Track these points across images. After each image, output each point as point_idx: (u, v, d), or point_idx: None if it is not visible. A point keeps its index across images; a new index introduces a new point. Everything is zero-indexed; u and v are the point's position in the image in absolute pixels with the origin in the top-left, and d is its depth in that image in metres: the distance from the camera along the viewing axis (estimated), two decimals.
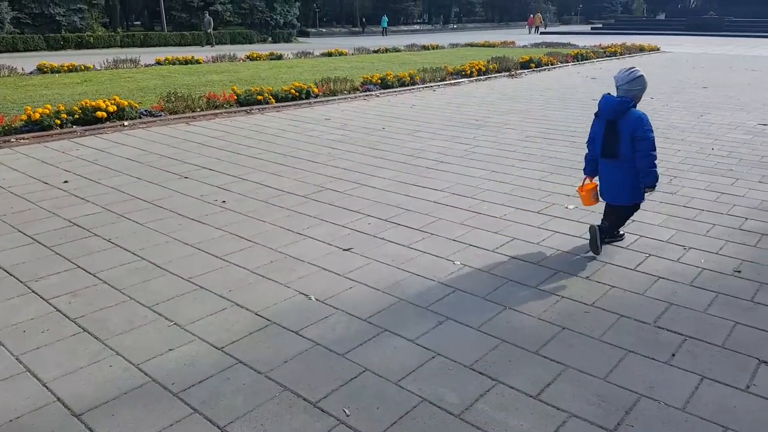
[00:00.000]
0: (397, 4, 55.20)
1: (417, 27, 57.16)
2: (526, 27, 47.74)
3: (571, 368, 2.59)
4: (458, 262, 3.70)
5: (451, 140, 7.35)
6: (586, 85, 12.93)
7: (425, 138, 7.51)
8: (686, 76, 14.76)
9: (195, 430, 2.21)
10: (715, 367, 2.62)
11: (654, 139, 3.66)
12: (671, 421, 2.26)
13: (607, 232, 3.90)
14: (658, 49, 23.73)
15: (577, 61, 17.94)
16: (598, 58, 19.19)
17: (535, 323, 2.98)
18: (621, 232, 4.16)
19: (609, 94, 3.80)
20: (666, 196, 5.04)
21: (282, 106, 9.95)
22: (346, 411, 2.29)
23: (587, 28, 49.88)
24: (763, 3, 42.88)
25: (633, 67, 3.73)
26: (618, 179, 3.78)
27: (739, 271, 3.60)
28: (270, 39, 36.77)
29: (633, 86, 3.66)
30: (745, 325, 2.98)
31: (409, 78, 12.40)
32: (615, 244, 4.04)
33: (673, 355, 2.70)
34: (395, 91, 11.87)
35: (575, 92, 11.91)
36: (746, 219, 4.50)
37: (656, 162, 3.67)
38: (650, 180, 3.65)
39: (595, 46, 22.22)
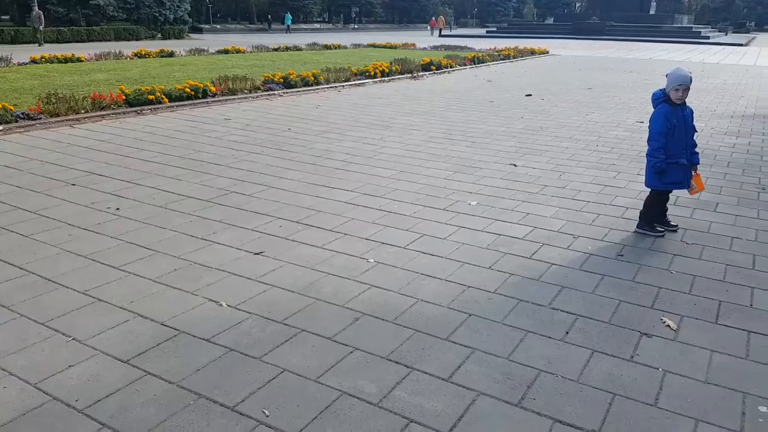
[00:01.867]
0: (296, 2, 54.71)
1: (318, 26, 57.05)
2: (429, 29, 49.11)
3: (478, 351, 2.76)
4: (372, 260, 3.80)
5: (359, 141, 7.47)
6: (482, 88, 13.57)
7: (333, 139, 7.57)
8: (573, 78, 15.89)
9: None
10: (604, 341, 2.90)
11: (658, 131, 4.13)
12: (568, 392, 2.49)
13: (649, 221, 4.42)
14: (547, 52, 25.31)
15: (474, 64, 18.76)
16: (493, 61, 20.17)
17: (445, 312, 3.14)
18: (673, 223, 4.53)
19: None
20: (556, 190, 5.45)
21: (176, 106, 9.56)
22: (266, 412, 2.31)
23: (483, 31, 52.08)
24: (639, 8, 46.99)
25: (678, 68, 4.24)
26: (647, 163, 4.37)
27: (621, 255, 3.98)
28: (159, 35, 35.14)
29: (667, 83, 4.17)
30: (628, 302, 3.31)
31: (313, 78, 12.39)
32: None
33: (567, 332, 2.96)
34: (299, 91, 11.81)
35: (473, 94, 12.46)
36: (627, 208, 4.96)
37: (657, 152, 4.15)
38: (650, 166, 4.24)
39: (490, 49, 23.36)
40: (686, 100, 4.21)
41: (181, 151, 6.70)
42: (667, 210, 4.56)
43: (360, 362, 2.66)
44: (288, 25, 46.91)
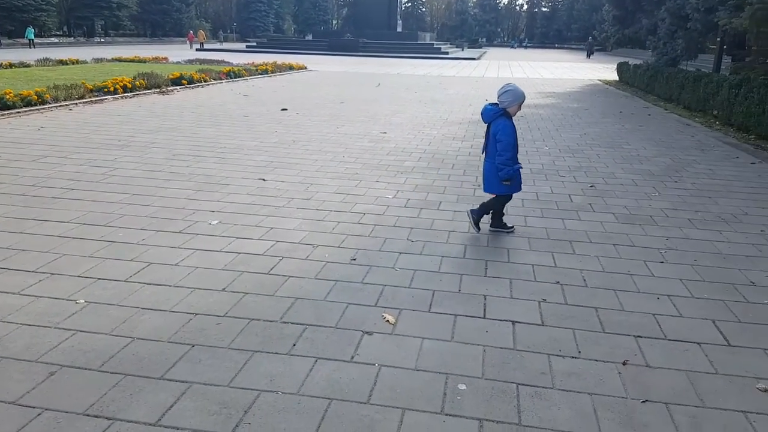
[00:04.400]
0: (26, 14, 47.58)
1: (56, 40, 50.47)
2: (188, 43, 46.87)
3: (195, 384, 2.60)
4: (82, 300, 3.35)
5: (87, 164, 6.67)
6: (237, 102, 13.36)
7: (53, 164, 6.63)
8: (328, 93, 16.60)
9: None
10: (328, 346, 2.97)
11: (510, 143, 4.48)
12: (286, 407, 2.47)
13: (478, 215, 4.78)
14: (305, 68, 26.10)
15: (230, 78, 18.42)
16: (251, 75, 20.06)
17: (165, 347, 2.90)
18: (509, 225, 4.89)
19: (490, 103, 4.64)
20: (302, 202, 5.54)
21: None
22: None
23: (242, 46, 51.66)
24: (387, 26, 51.30)
25: (508, 83, 4.61)
26: (488, 172, 4.67)
27: (354, 259, 4.17)
28: None
29: (505, 98, 4.49)
30: (355, 303, 3.46)
31: (36, 97, 10.77)
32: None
33: (294, 344, 2.97)
34: (17, 112, 10.16)
35: (227, 108, 12.19)
36: (364, 214, 5.25)
37: (509, 161, 4.50)
38: (503, 174, 4.53)
39: (248, 63, 23.19)
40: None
41: None
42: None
43: (49, 425, 2.28)
44: (31, 39, 41.01)
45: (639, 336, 3.17)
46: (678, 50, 17.11)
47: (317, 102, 14.16)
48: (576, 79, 24.85)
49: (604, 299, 3.63)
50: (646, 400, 2.61)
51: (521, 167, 4.69)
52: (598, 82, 23.19)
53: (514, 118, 4.66)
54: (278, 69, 23.08)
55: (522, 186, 4.89)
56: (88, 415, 2.35)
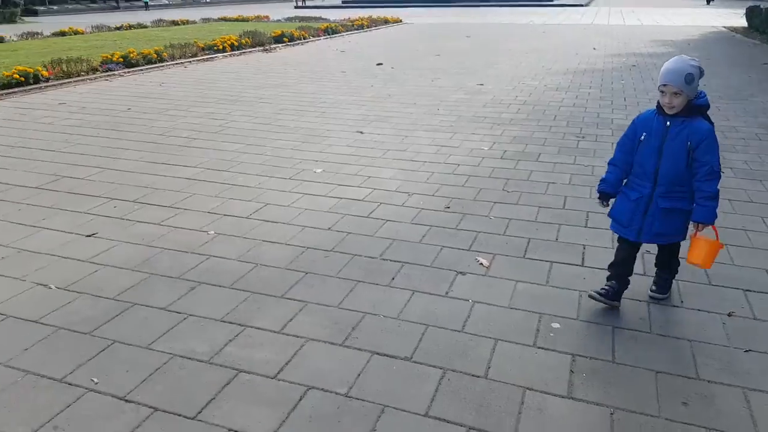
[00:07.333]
0: None
1: (166, 1, 53.33)
2: (293, 0, 47.76)
3: (310, 303, 2.99)
4: (212, 232, 3.86)
5: (205, 117, 7.32)
6: (335, 59, 13.73)
7: (177, 116, 7.34)
8: (424, 45, 16.51)
9: None
10: (424, 282, 3.25)
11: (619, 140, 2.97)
12: (387, 328, 2.80)
13: (661, 290, 3.09)
14: (400, 21, 25.96)
15: (328, 34, 18.82)
16: (347, 31, 20.36)
17: (283, 273, 3.32)
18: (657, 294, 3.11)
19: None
20: (397, 153, 5.81)
21: (5, 94, 8.75)
22: (94, 380, 2.37)
23: (339, 1, 51.83)
24: None
25: (679, 57, 2.69)
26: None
27: (448, 207, 4.39)
28: None
29: (693, 78, 2.62)
30: (449, 247, 3.70)
31: (155, 55, 11.75)
32: None
33: (393, 278, 3.28)
34: (141, 70, 11.18)
35: (325, 65, 12.59)
36: (458, 165, 5.43)
37: (609, 166, 2.98)
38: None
39: (344, 19, 23.46)
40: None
41: (9, 140, 6.17)
42: (630, 273, 2.99)
43: (193, 327, 2.77)
44: (146, 2, 43.67)
45: (748, 290, 3.13)
46: None
47: (412, 55, 14.18)
48: (697, 26, 22.72)
49: None
50: (750, 350, 2.61)
51: (633, 196, 2.85)
52: (723, 29, 21.12)
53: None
54: (374, 23, 23.17)
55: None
56: (224, 321, 2.82)
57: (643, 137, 2.75)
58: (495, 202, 4.47)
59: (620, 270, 2.94)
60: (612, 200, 2.96)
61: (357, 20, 22.96)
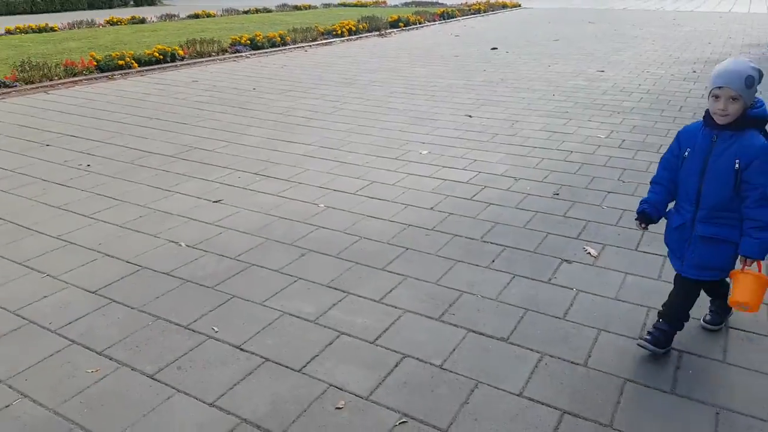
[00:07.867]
0: None
1: None
2: None
3: (409, 278, 3.09)
4: (322, 205, 4.08)
5: (321, 98, 7.65)
6: (449, 43, 13.66)
7: (296, 97, 7.74)
8: (542, 30, 15.97)
9: (74, 356, 2.47)
10: (525, 267, 3.22)
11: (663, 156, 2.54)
12: (484, 308, 2.83)
13: (715, 321, 2.70)
14: (519, 5, 25.21)
15: (444, 19, 18.73)
16: (463, 15, 20.11)
17: (385, 247, 3.45)
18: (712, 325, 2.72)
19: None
20: (506, 138, 5.73)
21: (146, 70, 9.70)
22: (215, 329, 2.64)
23: None
24: None
25: (735, 59, 2.25)
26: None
27: (557, 194, 4.29)
28: (132, 2, 34.18)
29: (754, 82, 2.21)
30: (555, 234, 3.63)
31: (279, 38, 12.39)
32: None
33: (493, 261, 3.29)
34: (266, 52, 11.84)
35: (439, 49, 12.57)
36: (571, 152, 5.26)
37: (651, 185, 2.55)
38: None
39: (462, 3, 23.17)
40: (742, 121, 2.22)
41: (149, 112, 6.87)
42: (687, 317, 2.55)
43: (302, 289, 2.98)
44: None
45: None
46: None
47: (529, 40, 13.79)
48: None
49: None
50: None
51: (676, 222, 2.44)
52: None
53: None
54: (491, 8, 22.70)
55: None
56: (329, 287, 3.01)
57: (687, 153, 2.32)
58: (608, 192, 4.31)
59: (671, 310, 2.50)
60: (652, 224, 2.49)
61: (474, 4, 22.60)
